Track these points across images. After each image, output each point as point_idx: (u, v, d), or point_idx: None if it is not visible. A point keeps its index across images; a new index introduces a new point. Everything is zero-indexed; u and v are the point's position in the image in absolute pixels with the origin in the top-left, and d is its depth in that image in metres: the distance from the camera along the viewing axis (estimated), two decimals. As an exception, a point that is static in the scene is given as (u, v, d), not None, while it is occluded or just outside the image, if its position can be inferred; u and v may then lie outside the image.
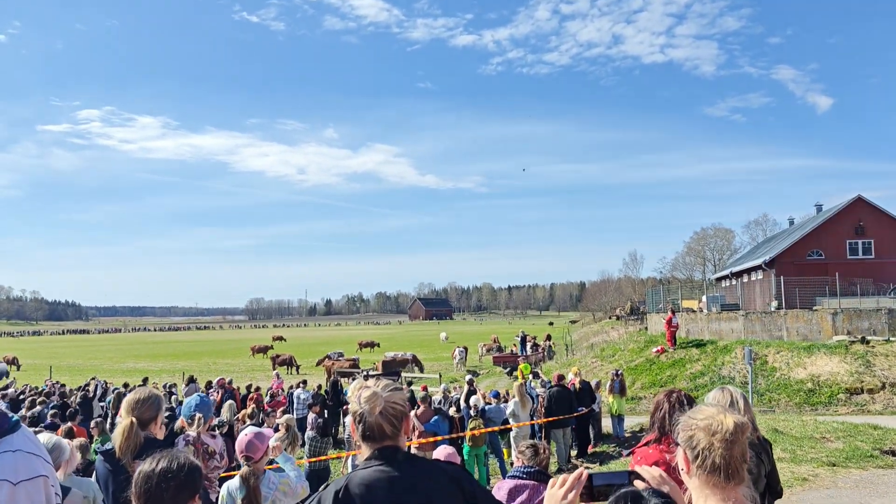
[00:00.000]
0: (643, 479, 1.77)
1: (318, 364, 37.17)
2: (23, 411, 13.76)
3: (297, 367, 38.31)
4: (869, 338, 21.45)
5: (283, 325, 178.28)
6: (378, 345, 53.93)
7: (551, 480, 1.83)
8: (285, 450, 4.46)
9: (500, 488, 4.11)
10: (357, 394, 2.17)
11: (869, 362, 20.05)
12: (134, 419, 3.60)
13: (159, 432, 4.04)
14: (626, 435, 14.60)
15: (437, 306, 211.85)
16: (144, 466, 2.25)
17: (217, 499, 4.21)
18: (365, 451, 2.15)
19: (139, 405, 3.66)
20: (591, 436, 14.10)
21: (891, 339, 21.12)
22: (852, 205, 36.03)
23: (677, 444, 1.98)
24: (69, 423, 10.72)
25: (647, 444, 3.54)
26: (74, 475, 5.34)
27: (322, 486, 2.06)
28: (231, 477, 8.88)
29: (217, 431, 10.72)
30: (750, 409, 3.92)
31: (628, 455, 3.64)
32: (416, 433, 10.94)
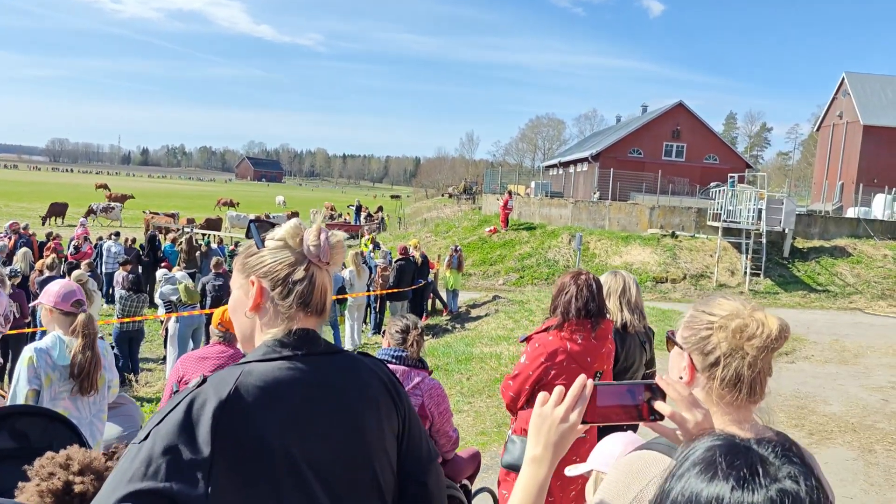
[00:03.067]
0: (660, 396, 1.25)
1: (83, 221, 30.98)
2: None
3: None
4: (678, 233, 23.41)
5: (93, 171, 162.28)
6: (238, 204, 49.94)
7: (542, 395, 1.25)
8: None
9: None
10: (318, 236, 1.39)
11: (675, 255, 21.96)
12: None
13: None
14: (460, 309, 14.85)
15: (268, 167, 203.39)
16: None
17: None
18: (265, 330, 1.39)
19: None
20: (425, 308, 14.16)
21: (696, 234, 23.19)
22: (673, 109, 38.55)
23: (674, 344, 1.48)
24: None
25: (546, 329, 3.14)
26: None
27: (195, 384, 1.27)
28: (22, 336, 7.56)
29: (10, 282, 9.22)
30: (640, 296, 3.67)
31: (523, 341, 3.24)
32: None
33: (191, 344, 9.72)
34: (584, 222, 25.74)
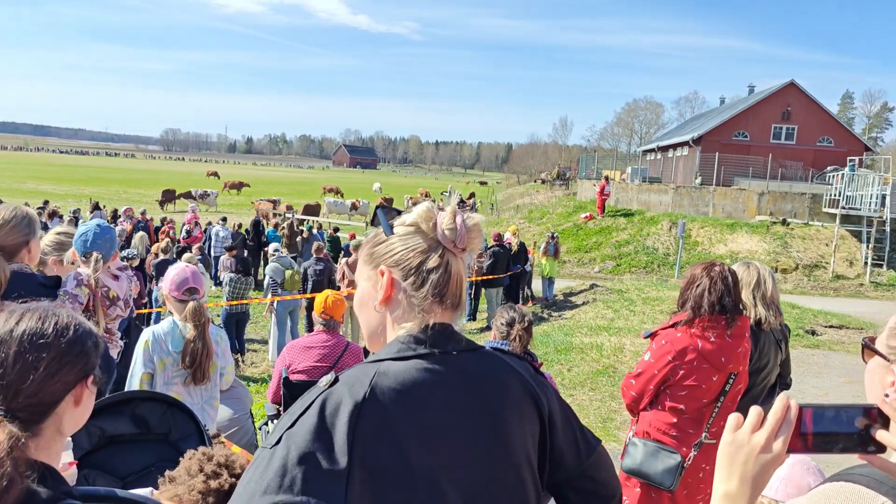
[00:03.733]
0: (881, 423, 1.03)
1: (162, 204, 32.60)
2: None
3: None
4: (790, 220, 22.04)
5: (202, 159, 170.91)
6: (343, 193, 49.94)
7: (734, 417, 1.05)
8: None
9: None
10: (454, 219, 1.25)
11: (787, 243, 20.69)
12: None
13: (53, 267, 3.07)
14: (556, 297, 14.55)
15: (363, 154, 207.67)
16: None
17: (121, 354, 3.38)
18: (397, 325, 1.26)
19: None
20: (521, 296, 13.95)
21: (809, 222, 21.77)
22: (784, 89, 36.07)
23: (884, 353, 1.24)
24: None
25: (674, 325, 2.90)
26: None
27: (326, 383, 1.16)
28: (139, 317, 7.89)
29: (126, 263, 9.75)
30: (777, 291, 3.34)
31: (647, 337, 3.00)
32: (346, 282, 10.30)
33: (289, 323, 9.99)
34: (685, 209, 24.69)
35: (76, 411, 1.31)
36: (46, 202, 21.46)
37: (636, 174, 31.03)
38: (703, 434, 2.85)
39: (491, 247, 12.72)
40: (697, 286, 2.81)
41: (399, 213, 1.35)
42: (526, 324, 3.21)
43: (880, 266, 18.87)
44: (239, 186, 46.37)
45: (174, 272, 3.48)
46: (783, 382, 3.55)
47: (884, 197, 19.15)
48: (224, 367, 3.54)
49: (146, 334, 3.45)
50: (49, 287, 2.73)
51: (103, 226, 3.05)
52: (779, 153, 31.00)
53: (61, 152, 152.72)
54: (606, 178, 26.82)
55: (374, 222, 1.37)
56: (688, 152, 37.17)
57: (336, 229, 18.88)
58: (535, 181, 57.44)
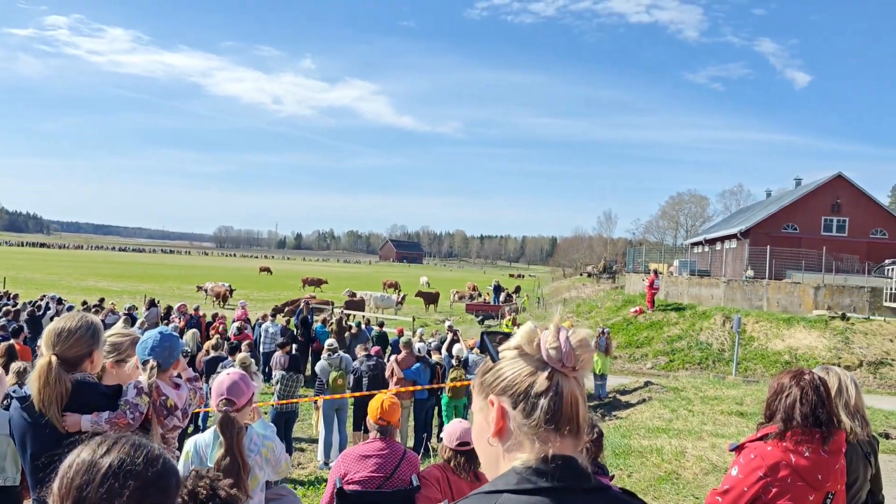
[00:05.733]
0: None
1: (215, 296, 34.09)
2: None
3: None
4: (849, 314, 21.19)
5: (252, 255, 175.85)
6: (400, 288, 49.05)
7: None
8: None
9: None
10: (556, 336, 1.17)
11: (848, 339, 19.82)
12: (55, 357, 2.61)
13: (111, 370, 3.05)
14: (609, 396, 14.05)
15: (409, 249, 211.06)
16: (83, 453, 1.26)
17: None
18: (508, 456, 1.17)
19: (63, 337, 2.64)
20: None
21: (871, 317, 20.89)
22: (832, 181, 35.71)
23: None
24: (11, 341, 9.64)
25: (763, 437, 2.69)
26: (-2, 409, 4.35)
27: None
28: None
29: (196, 374, 9.80)
30: (861, 399, 3.11)
31: (733, 450, 2.79)
32: (395, 379, 10.13)
33: (335, 423, 9.75)
34: (738, 303, 24.06)
35: None
36: (102, 299, 22.07)
37: (684, 267, 30.60)
38: (801, 561, 2.57)
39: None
40: (787, 396, 2.61)
41: (507, 336, 1.28)
42: (595, 435, 3.02)
43: (954, 363, 17.84)
44: (318, 283, 47.70)
45: (217, 381, 3.30)
46: (875, 500, 3.24)
47: (951, 290, 18.38)
48: (262, 482, 3.31)
49: (188, 445, 3.32)
50: (111, 396, 2.69)
51: (165, 333, 3.02)
52: (831, 246, 30.27)
53: (121, 250, 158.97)
54: (655, 272, 26.48)
55: (481, 349, 1.31)
56: (736, 245, 36.65)
57: (381, 324, 18.81)
58: (580, 274, 57.07)
